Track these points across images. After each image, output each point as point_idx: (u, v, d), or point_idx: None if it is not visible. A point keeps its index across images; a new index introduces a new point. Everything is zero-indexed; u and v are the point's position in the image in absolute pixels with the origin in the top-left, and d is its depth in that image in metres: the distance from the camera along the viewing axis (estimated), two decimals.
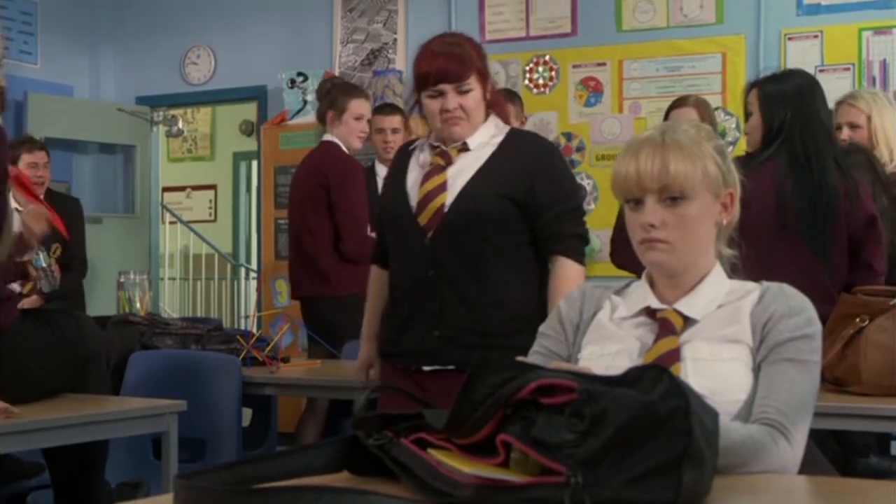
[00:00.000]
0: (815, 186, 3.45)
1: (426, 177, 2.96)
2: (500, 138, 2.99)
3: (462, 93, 2.91)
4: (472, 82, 2.92)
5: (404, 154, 3.15)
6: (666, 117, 4.32)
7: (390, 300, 3.11)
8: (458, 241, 2.89)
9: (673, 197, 1.85)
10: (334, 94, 4.83)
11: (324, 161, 4.75)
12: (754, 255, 3.33)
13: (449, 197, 2.91)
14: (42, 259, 4.92)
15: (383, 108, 5.39)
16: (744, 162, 3.49)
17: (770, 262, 3.34)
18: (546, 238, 2.98)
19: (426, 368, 2.93)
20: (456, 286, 2.90)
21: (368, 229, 4.51)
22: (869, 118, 4.13)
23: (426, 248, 2.91)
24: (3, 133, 3.07)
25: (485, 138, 2.98)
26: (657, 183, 1.84)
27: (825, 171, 3.46)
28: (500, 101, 3.11)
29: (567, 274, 2.95)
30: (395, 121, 5.23)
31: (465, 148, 2.97)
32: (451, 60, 2.90)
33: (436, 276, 2.90)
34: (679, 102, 4.43)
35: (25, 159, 5.82)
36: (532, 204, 2.94)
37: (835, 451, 3.40)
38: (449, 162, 2.96)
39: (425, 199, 2.93)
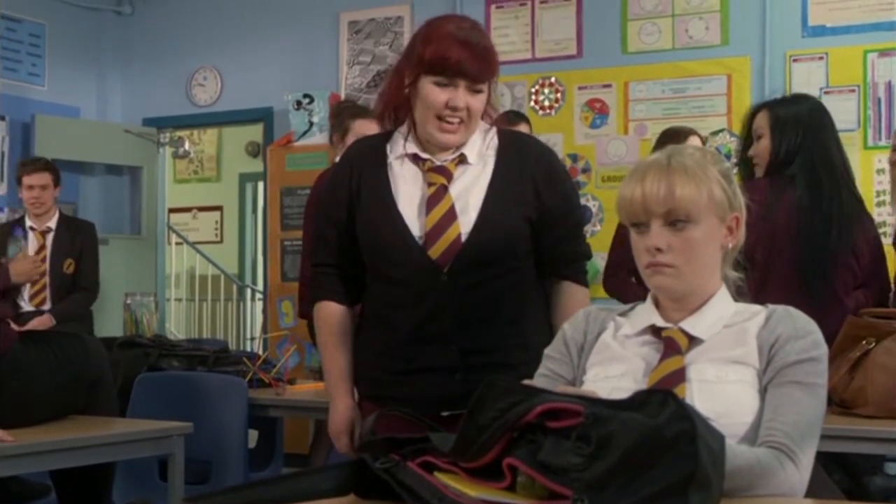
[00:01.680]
0: (833, 215, 3.38)
1: (431, 201, 2.50)
2: (494, 142, 2.60)
3: (474, 92, 2.49)
4: (486, 85, 2.51)
5: (371, 158, 2.61)
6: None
7: (374, 341, 2.62)
8: (478, 277, 2.48)
9: (678, 221, 1.85)
10: (342, 117, 4.83)
11: None
12: (782, 278, 3.33)
13: (463, 225, 2.48)
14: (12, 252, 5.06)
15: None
16: (764, 184, 3.48)
17: (792, 286, 3.33)
18: (553, 259, 2.63)
19: (444, 414, 2.43)
20: (476, 328, 2.50)
21: None
22: None
23: (442, 286, 2.47)
24: None
25: (480, 146, 2.58)
26: (663, 207, 1.84)
27: (840, 200, 3.41)
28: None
29: (581, 300, 2.60)
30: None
31: (462, 160, 2.55)
32: (481, 57, 2.47)
33: (453, 317, 2.48)
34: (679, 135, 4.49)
35: (24, 182, 5.85)
36: (542, 218, 2.57)
37: (841, 474, 3.39)
38: (449, 179, 2.52)
39: (437, 230, 2.47)
